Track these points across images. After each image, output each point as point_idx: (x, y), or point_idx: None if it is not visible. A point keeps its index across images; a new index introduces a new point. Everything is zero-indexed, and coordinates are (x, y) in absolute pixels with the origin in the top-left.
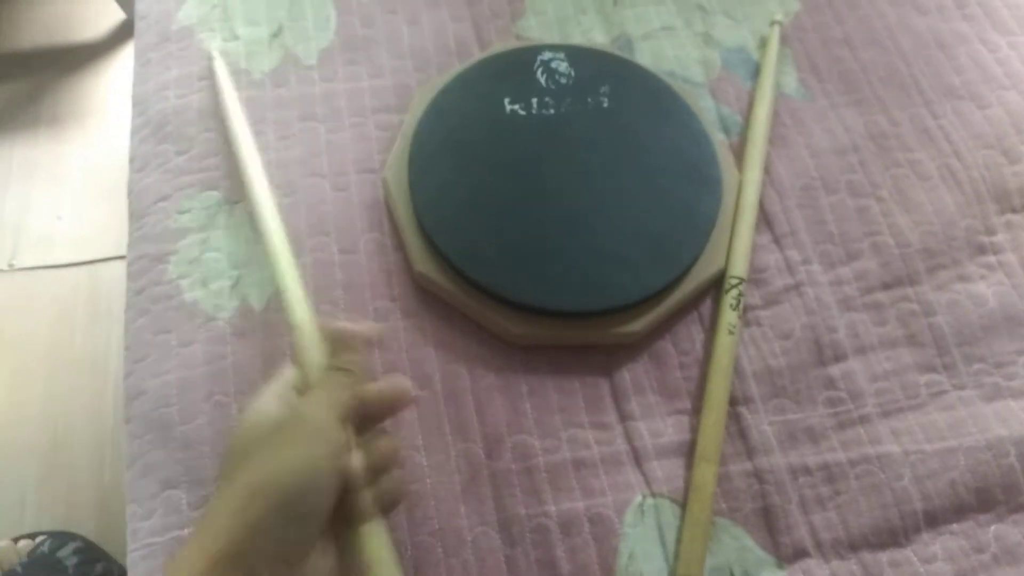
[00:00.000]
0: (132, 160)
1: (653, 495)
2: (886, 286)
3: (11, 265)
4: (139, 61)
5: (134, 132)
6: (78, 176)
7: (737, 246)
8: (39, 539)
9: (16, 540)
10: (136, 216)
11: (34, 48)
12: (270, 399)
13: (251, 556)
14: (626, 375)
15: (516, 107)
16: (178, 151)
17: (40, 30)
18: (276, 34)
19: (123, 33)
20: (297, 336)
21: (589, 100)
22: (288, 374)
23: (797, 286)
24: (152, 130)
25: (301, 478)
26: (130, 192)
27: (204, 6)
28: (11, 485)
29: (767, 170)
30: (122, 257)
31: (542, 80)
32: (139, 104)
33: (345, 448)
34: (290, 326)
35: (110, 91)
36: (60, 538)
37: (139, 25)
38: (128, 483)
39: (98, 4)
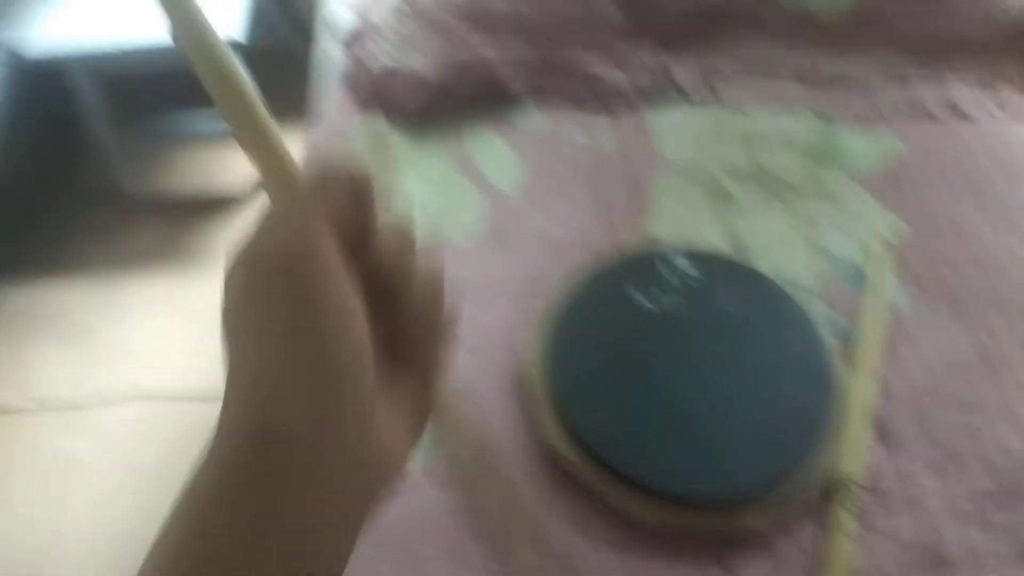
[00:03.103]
0: None
1: None
2: (995, 500)
3: (141, 390)
4: None
5: None
6: (209, 315)
7: (851, 450)
8: None
9: None
10: None
11: (180, 194)
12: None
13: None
14: (742, 568)
15: (645, 301)
16: None
17: (187, 178)
18: (430, 219)
19: (259, 186)
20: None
21: (711, 299)
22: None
23: (909, 495)
24: None
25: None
26: None
27: None
28: None
29: (877, 378)
30: None
31: (669, 278)
32: None
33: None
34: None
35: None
36: None
37: None
38: None
39: (240, 158)
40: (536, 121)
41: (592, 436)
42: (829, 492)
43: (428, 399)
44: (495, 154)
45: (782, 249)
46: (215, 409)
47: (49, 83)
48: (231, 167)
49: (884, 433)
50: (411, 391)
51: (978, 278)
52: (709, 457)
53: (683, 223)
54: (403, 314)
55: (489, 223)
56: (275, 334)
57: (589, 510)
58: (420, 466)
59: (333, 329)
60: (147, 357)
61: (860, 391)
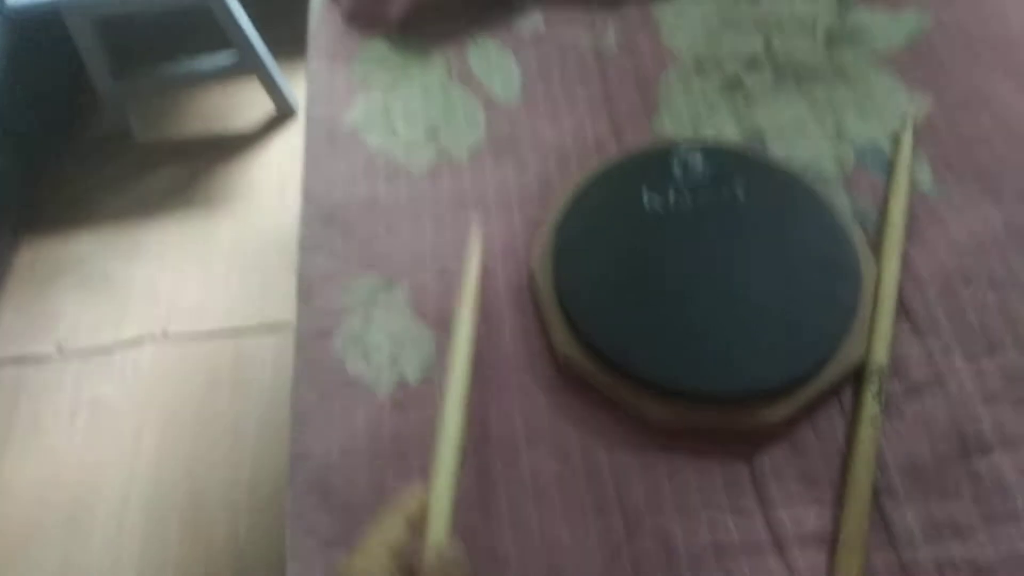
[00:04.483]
0: (302, 244)
1: None
2: None
3: (164, 333)
4: (309, 157)
5: (305, 220)
6: (227, 253)
7: (877, 336)
8: None
9: None
10: (304, 295)
11: (192, 137)
12: (377, 560)
13: None
14: (767, 461)
15: (654, 199)
16: (344, 237)
17: (197, 121)
18: (432, 133)
19: (272, 123)
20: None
21: (725, 194)
22: (394, 532)
23: (939, 378)
24: (321, 219)
25: None
26: (299, 273)
27: (368, 108)
28: (156, 539)
29: (905, 263)
30: (265, 326)
31: (679, 174)
32: (308, 195)
33: None
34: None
35: (258, 176)
36: None
37: (308, 125)
38: (289, 541)
39: (250, 97)
40: (535, 23)
41: (603, 339)
42: (855, 381)
43: None
44: (493, 61)
45: (801, 138)
46: (235, 345)
47: (45, 33)
48: (239, 106)
49: (912, 317)
50: None
51: (1011, 152)
52: (730, 353)
53: (695, 118)
54: None
55: (490, 133)
56: None
57: (607, 417)
58: (420, 379)
59: None
60: (167, 299)
61: (886, 278)
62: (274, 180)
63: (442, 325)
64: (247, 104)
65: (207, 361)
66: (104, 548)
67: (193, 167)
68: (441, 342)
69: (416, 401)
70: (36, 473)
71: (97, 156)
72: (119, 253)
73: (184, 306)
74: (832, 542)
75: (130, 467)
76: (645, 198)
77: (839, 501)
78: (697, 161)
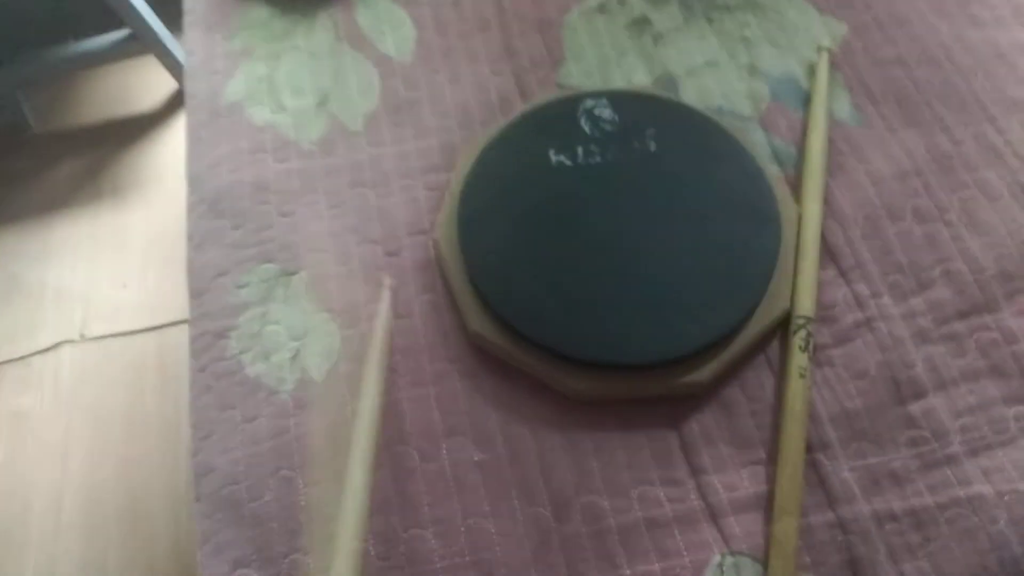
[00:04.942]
0: (190, 237)
1: (732, 553)
2: (962, 315)
3: (82, 335)
4: (191, 139)
5: (190, 209)
6: (141, 244)
7: (802, 284)
8: None
9: None
10: (196, 293)
11: (92, 123)
12: None
13: None
14: (695, 427)
15: (561, 158)
16: (234, 226)
17: (96, 106)
18: (322, 103)
19: (176, 102)
20: None
21: (635, 145)
22: None
23: (868, 321)
24: (208, 206)
25: None
26: (189, 269)
27: (251, 80)
28: (94, 550)
29: (827, 201)
30: (187, 319)
31: (586, 128)
32: (193, 181)
33: None
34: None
35: (167, 159)
36: None
37: (189, 103)
38: (201, 562)
39: (150, 76)
40: None
41: (514, 312)
42: (781, 333)
43: None
44: (384, 17)
45: (712, 75)
46: (158, 342)
47: None
48: (140, 86)
49: (837, 260)
50: None
51: (932, 75)
52: (648, 316)
53: (603, 64)
54: None
55: (386, 98)
56: None
57: (527, 396)
58: (325, 373)
59: None
60: (82, 299)
61: (808, 220)
62: (183, 163)
63: (347, 312)
64: (148, 83)
65: (130, 361)
66: (40, 567)
67: (98, 156)
68: (346, 330)
69: (321, 398)
70: None
71: None
72: (26, 255)
73: (101, 305)
74: (768, 506)
75: (60, 481)
76: (552, 157)
77: (772, 461)
78: (605, 112)
